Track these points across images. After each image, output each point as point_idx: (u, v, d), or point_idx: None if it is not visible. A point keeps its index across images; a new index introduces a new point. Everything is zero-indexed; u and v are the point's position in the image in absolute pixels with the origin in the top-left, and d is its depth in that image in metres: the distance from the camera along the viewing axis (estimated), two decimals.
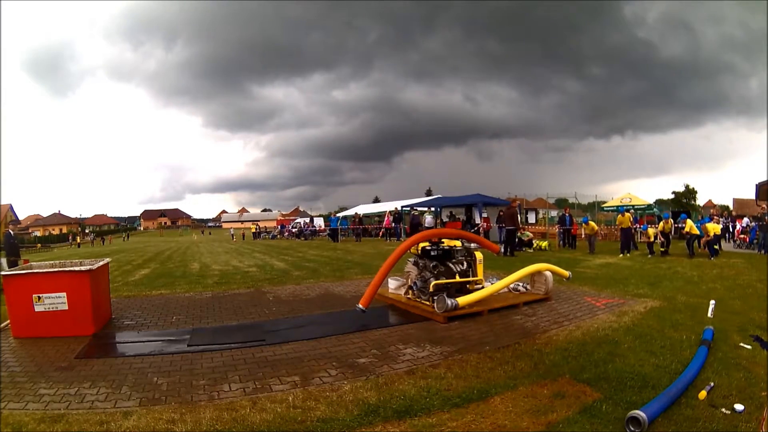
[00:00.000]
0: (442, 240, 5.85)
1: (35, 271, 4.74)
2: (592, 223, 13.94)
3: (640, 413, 2.36)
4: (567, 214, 15.80)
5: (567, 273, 6.43)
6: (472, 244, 6.14)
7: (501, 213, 14.22)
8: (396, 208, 22.05)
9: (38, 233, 62.37)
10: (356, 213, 25.60)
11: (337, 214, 29.60)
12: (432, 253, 5.55)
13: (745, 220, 16.84)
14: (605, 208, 24.40)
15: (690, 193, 47.68)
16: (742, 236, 16.25)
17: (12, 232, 8.16)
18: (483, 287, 5.66)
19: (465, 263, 5.63)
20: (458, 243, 5.88)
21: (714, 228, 11.63)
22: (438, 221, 20.41)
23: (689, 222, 12.14)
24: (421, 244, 5.63)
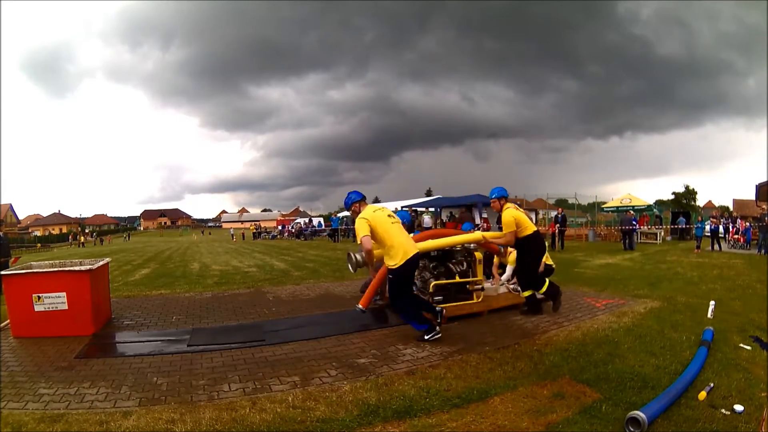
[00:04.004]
0: None
1: (35, 270, 4.74)
2: (482, 237, 5.33)
3: (639, 414, 2.36)
4: (560, 214, 15.79)
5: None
6: (472, 245, 6.13)
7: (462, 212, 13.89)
8: (396, 209, 22.04)
9: (38, 233, 62.36)
10: None
11: (338, 215, 29.61)
12: (432, 254, 5.54)
13: (739, 221, 16.85)
14: (605, 209, 24.42)
15: (690, 193, 47.68)
16: (736, 236, 16.25)
17: (1, 233, 8.13)
18: (483, 288, 5.66)
19: (465, 263, 5.63)
20: None
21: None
22: (438, 221, 20.42)
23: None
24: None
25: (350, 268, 4.62)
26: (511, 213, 4.91)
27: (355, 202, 4.25)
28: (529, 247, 5.01)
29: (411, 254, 3.98)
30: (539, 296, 5.11)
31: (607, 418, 2.54)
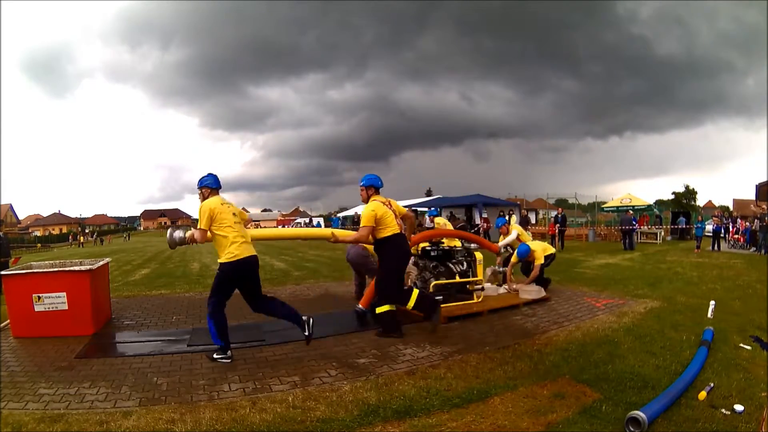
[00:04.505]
0: (442, 240, 5.85)
1: (35, 270, 4.74)
2: (331, 233, 4.70)
3: (639, 414, 2.36)
4: (560, 214, 15.81)
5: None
6: (472, 245, 6.14)
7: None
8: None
9: (38, 233, 62.35)
10: (356, 213, 25.62)
11: (338, 215, 29.64)
12: (432, 254, 5.55)
13: (739, 221, 16.84)
14: (605, 209, 24.42)
15: (690, 193, 47.63)
16: (736, 236, 16.24)
17: (1, 233, 8.13)
18: (483, 288, 5.67)
19: (465, 263, 5.64)
20: (458, 243, 5.89)
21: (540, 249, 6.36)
22: None
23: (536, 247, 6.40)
24: (421, 245, 5.64)
25: (168, 244, 4.12)
26: (373, 206, 4.21)
27: (207, 187, 3.84)
28: (387, 249, 4.27)
29: (241, 257, 3.64)
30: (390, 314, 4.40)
31: (607, 418, 2.54)
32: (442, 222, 7.47)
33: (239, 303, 6.34)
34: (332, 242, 4.49)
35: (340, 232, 4.70)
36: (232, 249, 3.64)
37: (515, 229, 6.84)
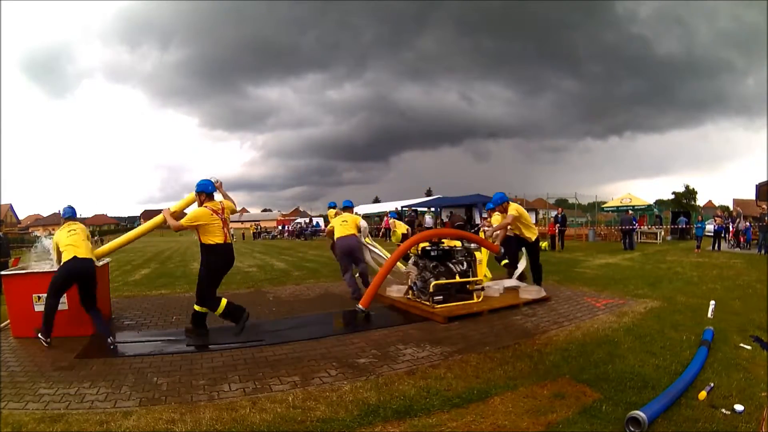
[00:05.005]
0: (442, 240, 5.85)
1: (35, 270, 4.73)
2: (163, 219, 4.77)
3: (640, 414, 2.36)
4: (561, 214, 15.80)
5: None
6: (472, 245, 6.14)
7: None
8: (396, 209, 22.05)
9: (38, 233, 62.24)
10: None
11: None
12: (432, 254, 5.55)
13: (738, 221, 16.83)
14: (605, 209, 24.42)
15: (690, 193, 47.63)
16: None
17: (1, 233, 8.12)
18: (483, 288, 5.67)
19: (465, 263, 5.63)
20: (458, 243, 5.89)
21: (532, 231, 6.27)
22: (438, 221, 20.44)
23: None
24: (421, 245, 5.64)
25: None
26: (198, 213, 4.46)
27: (63, 216, 4.69)
28: (208, 257, 4.44)
29: (70, 256, 4.20)
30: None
31: (607, 418, 2.54)
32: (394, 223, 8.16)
33: (238, 303, 6.36)
34: (166, 225, 4.64)
35: (168, 214, 4.65)
36: (64, 255, 4.26)
37: (496, 223, 6.95)
